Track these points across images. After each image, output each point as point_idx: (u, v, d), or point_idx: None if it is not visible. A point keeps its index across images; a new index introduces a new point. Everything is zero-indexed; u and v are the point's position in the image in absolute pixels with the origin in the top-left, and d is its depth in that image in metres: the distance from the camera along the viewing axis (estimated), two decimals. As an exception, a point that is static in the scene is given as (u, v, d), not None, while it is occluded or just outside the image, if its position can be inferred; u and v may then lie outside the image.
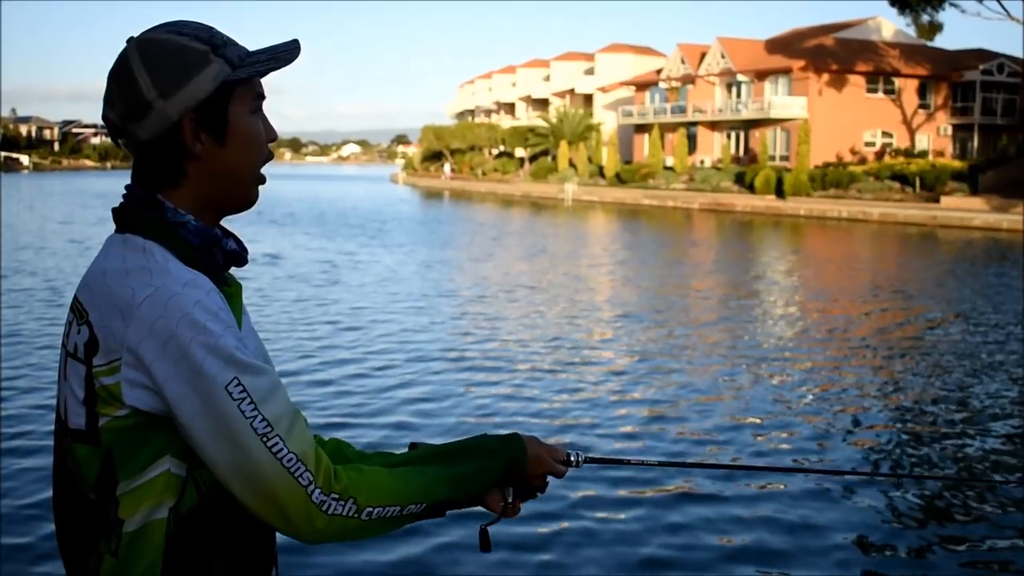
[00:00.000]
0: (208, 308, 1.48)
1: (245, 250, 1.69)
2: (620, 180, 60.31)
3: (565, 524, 6.07)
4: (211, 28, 1.61)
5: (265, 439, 1.45)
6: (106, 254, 1.57)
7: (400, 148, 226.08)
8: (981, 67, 56.99)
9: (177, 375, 1.45)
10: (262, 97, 1.63)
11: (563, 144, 69.34)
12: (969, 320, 14.75)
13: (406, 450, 1.77)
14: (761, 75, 58.98)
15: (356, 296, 16.51)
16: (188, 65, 1.53)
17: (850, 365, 11.52)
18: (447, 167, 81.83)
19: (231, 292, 1.62)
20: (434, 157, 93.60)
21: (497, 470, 1.69)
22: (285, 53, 1.61)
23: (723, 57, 62.03)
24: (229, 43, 1.59)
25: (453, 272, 21.01)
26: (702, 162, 60.88)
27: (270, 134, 1.64)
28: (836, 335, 13.70)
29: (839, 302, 17.08)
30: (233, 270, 1.68)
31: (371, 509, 1.52)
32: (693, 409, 9.16)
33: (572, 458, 1.80)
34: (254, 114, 1.61)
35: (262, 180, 1.66)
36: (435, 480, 1.61)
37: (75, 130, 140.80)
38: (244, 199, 1.64)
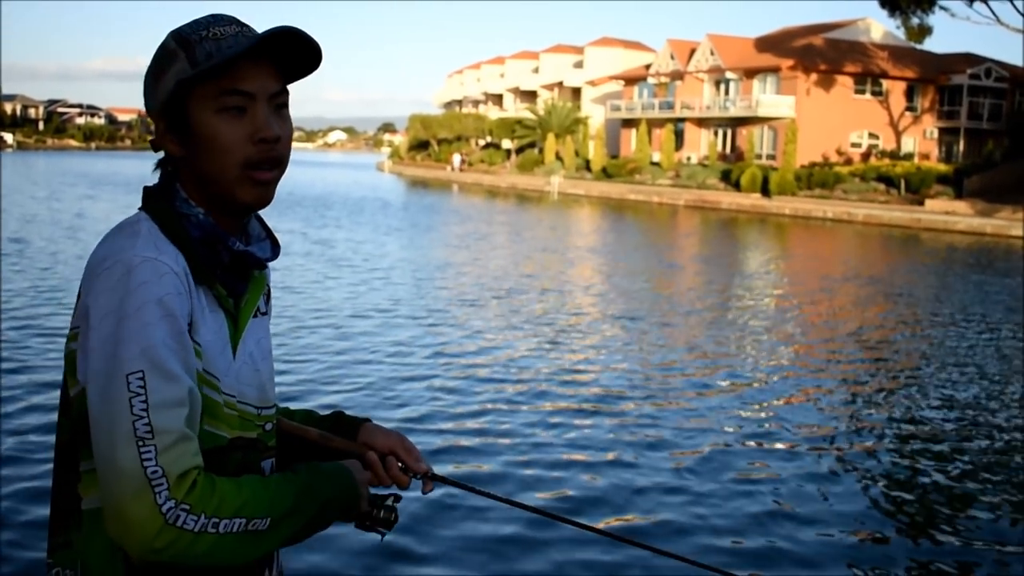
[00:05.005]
0: (154, 292, 1.44)
1: (269, 254, 1.67)
2: (606, 174, 60.31)
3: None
4: (211, 21, 1.55)
5: (141, 443, 1.37)
6: (118, 226, 1.57)
7: (387, 136, 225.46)
8: (969, 71, 57.23)
9: (101, 349, 1.43)
10: (240, 94, 1.53)
11: (550, 137, 69.26)
12: (946, 323, 14.81)
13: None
14: (750, 73, 59.05)
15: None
16: (159, 66, 1.55)
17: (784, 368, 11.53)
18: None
19: (220, 293, 1.58)
20: (421, 146, 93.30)
21: (334, 476, 1.61)
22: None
23: (712, 54, 62.07)
24: (211, 39, 1.52)
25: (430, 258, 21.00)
26: (689, 159, 60.92)
27: (261, 132, 1.54)
28: (800, 335, 13.72)
29: (810, 301, 17.11)
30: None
31: (216, 520, 1.40)
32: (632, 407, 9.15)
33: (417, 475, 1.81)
34: (221, 113, 1.53)
35: (257, 179, 1.56)
36: (279, 490, 1.50)
37: (60, 109, 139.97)
38: (231, 199, 1.58)
